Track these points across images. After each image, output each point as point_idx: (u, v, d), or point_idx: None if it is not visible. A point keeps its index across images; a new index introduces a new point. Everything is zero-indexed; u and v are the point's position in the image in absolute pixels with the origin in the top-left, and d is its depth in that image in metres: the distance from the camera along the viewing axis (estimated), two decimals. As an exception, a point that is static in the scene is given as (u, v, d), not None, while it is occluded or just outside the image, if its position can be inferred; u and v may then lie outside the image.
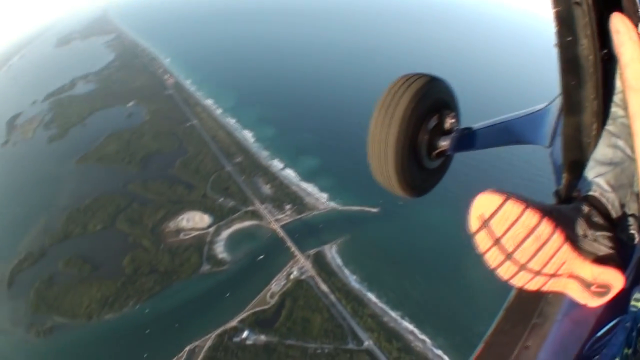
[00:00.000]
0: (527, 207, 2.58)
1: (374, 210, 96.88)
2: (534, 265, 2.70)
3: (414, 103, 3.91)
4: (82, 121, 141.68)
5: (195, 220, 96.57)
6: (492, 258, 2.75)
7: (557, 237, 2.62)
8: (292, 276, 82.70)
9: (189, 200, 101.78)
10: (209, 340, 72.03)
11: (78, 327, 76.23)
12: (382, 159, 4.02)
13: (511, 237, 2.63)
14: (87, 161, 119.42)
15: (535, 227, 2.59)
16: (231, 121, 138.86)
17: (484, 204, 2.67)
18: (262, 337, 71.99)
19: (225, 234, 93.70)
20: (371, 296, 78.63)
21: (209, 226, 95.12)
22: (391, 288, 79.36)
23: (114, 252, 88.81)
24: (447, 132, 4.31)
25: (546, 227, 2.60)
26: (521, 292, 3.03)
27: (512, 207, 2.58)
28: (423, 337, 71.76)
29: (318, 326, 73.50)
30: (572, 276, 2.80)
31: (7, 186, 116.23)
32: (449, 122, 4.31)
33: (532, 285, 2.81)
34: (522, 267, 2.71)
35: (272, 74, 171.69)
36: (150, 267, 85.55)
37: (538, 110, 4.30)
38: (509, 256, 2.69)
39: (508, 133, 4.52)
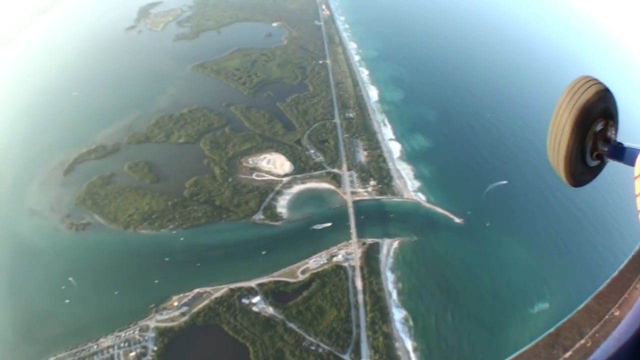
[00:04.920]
0: None
1: (458, 220, 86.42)
2: None
3: (594, 100, 4.69)
4: (218, 28, 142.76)
5: (275, 164, 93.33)
6: None
7: None
8: (335, 258, 76.38)
9: (280, 141, 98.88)
10: (220, 290, 69.78)
11: (111, 232, 77.92)
12: (557, 140, 4.80)
13: None
14: (204, 70, 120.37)
15: None
16: (364, 72, 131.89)
17: None
18: (270, 310, 68.17)
19: (296, 188, 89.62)
20: (398, 315, 70.22)
21: (285, 175, 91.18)
22: (423, 314, 70.78)
23: (183, 170, 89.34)
24: (606, 140, 5.04)
25: None
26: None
27: None
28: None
29: (328, 322, 67.56)
30: None
31: (112, 71, 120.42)
32: (610, 131, 5.04)
33: None
34: None
35: (428, 38, 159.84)
36: (207, 197, 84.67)
37: None
38: None
39: None
